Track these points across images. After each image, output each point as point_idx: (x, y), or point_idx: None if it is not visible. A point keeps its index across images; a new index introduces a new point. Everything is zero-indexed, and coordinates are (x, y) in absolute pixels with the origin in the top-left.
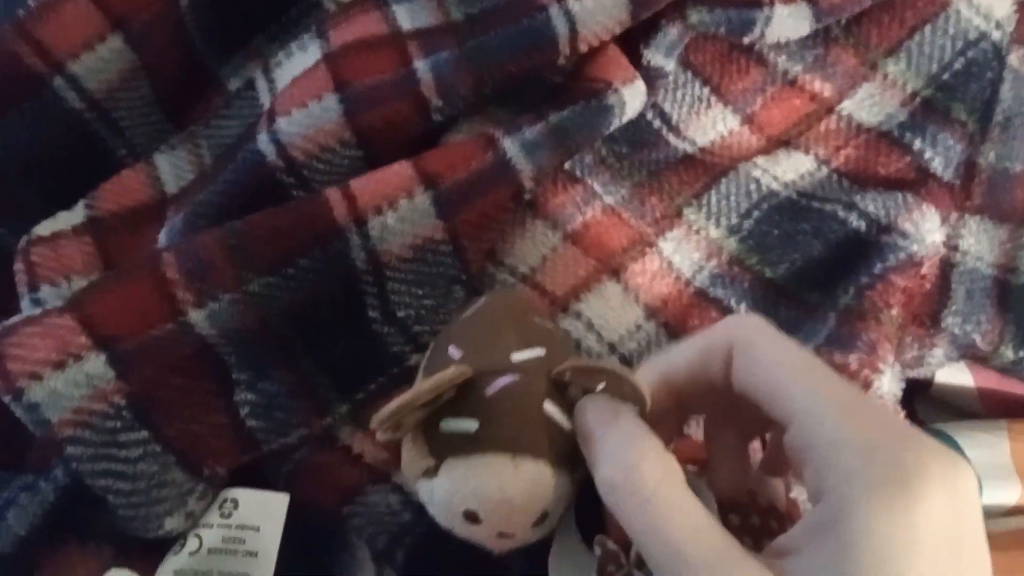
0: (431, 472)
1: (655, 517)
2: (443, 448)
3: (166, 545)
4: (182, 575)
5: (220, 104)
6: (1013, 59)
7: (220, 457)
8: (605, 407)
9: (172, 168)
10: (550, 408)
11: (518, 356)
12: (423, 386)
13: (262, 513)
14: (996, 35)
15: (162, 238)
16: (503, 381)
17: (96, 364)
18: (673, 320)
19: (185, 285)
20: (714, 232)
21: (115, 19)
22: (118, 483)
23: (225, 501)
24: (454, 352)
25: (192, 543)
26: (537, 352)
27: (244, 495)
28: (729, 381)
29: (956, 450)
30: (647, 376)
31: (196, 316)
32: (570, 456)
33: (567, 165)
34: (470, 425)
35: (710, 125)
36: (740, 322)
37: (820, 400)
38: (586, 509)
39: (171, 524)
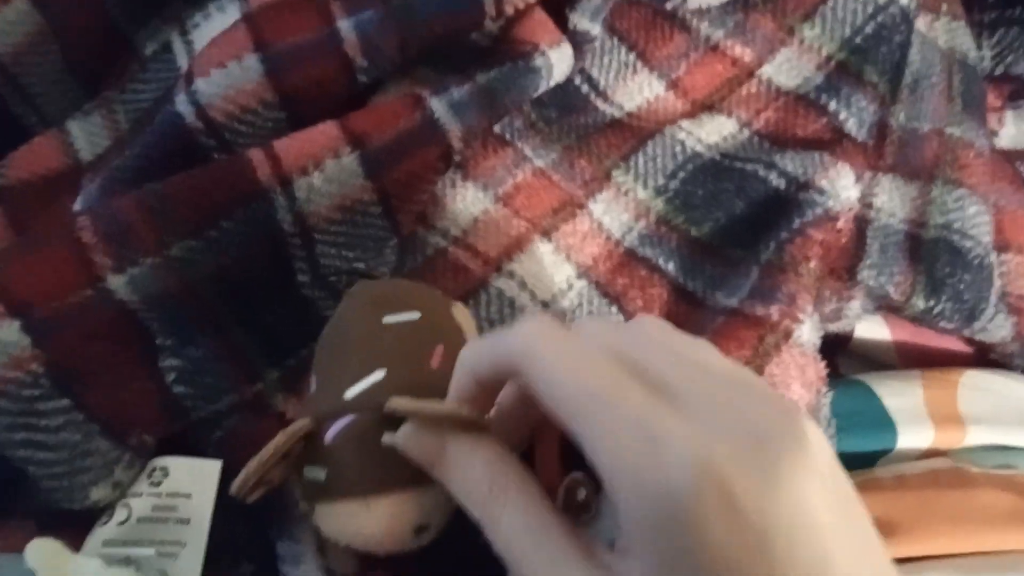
0: (309, 513)
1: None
2: (309, 494)
3: (94, 516)
4: (111, 545)
5: (136, 69)
6: (920, 24)
7: (147, 425)
8: (426, 441)
9: (86, 135)
10: (391, 438)
11: (352, 391)
12: (261, 456)
13: (194, 480)
14: (904, 0)
15: (77, 206)
16: (338, 425)
17: (9, 332)
18: (604, 279)
19: (103, 249)
20: (642, 193)
21: None
22: (39, 453)
23: (155, 470)
24: (313, 384)
25: (121, 513)
26: (374, 378)
27: (174, 463)
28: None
29: (873, 399)
30: (459, 376)
31: (116, 282)
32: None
33: (497, 129)
34: (319, 474)
35: (636, 90)
36: (516, 347)
37: (594, 435)
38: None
39: (97, 494)
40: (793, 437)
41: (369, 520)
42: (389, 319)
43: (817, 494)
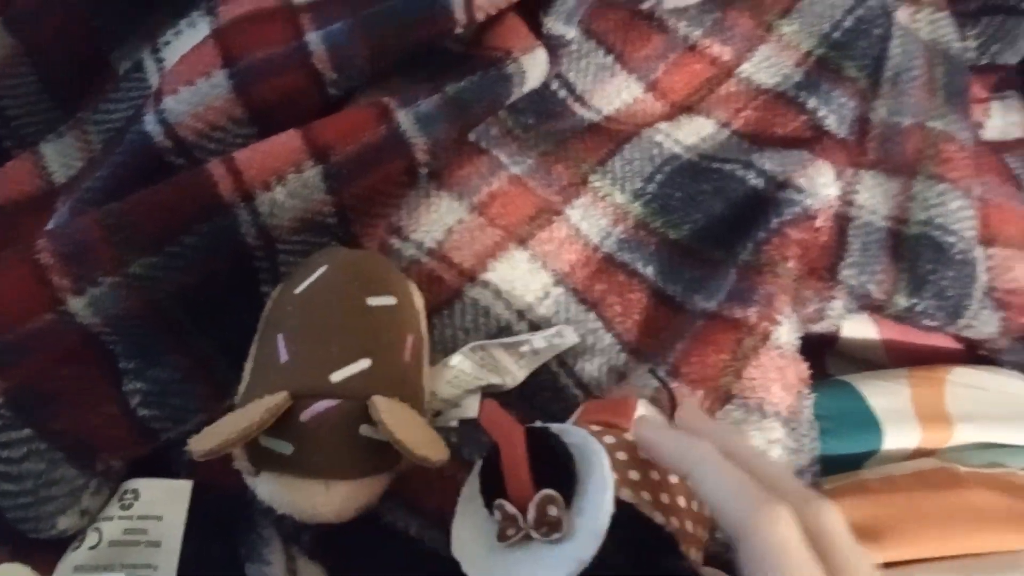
0: (253, 473)
1: None
2: (262, 460)
3: (68, 540)
4: (83, 570)
5: (109, 88)
6: (901, 15)
7: (114, 450)
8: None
9: (59, 156)
10: (367, 431)
11: (338, 375)
12: (242, 425)
13: (164, 502)
14: None
15: (49, 228)
16: (320, 407)
17: None
18: (581, 286)
19: (61, 270)
20: (619, 197)
21: None
22: (3, 484)
23: (126, 492)
24: (282, 350)
25: (92, 537)
26: (361, 366)
27: (145, 485)
28: None
29: (858, 400)
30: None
31: (76, 304)
32: (386, 457)
33: (472, 137)
34: (285, 448)
35: (615, 93)
36: (692, 457)
37: (749, 517)
38: (489, 475)
39: (64, 523)
40: None
41: (324, 500)
42: (373, 301)
43: None
